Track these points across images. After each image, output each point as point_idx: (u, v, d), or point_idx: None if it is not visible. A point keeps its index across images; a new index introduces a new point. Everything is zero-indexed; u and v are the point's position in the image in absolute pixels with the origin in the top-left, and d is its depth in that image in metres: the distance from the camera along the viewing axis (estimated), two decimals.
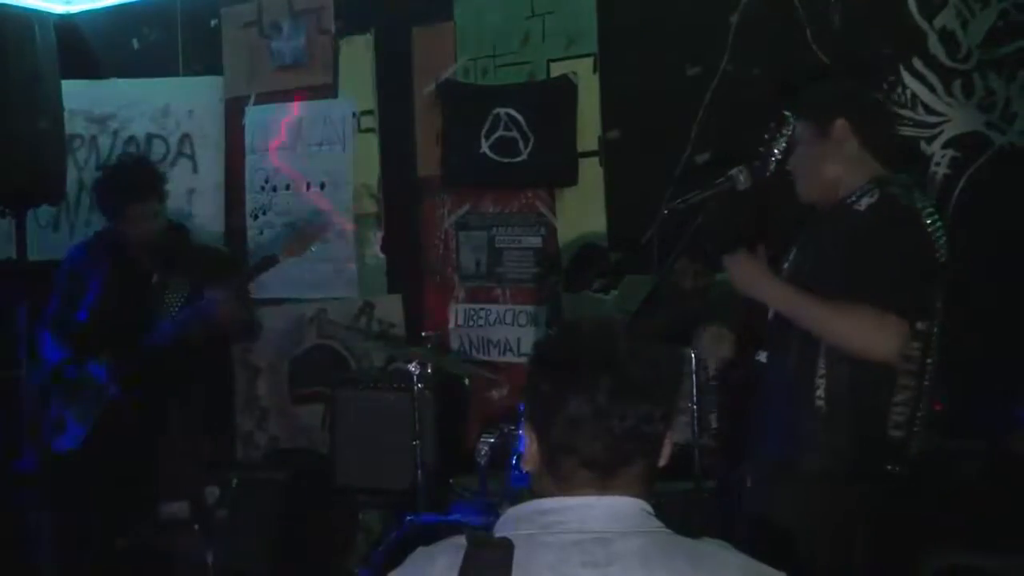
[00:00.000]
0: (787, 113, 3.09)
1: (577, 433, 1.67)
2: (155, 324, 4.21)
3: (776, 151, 3.07)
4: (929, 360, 2.85)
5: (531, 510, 1.70)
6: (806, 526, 2.77)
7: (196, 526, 4.33)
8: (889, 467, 2.82)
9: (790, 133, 3.07)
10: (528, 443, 1.75)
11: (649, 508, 1.70)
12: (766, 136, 3.08)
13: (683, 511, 3.46)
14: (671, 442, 1.74)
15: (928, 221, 2.83)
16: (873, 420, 2.81)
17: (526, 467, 1.77)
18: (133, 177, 4.30)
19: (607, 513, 1.67)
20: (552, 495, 1.70)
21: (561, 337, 1.84)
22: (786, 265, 3.04)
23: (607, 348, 1.71)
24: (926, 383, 2.86)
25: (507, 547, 1.63)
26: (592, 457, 1.67)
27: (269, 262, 4.35)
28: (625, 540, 1.64)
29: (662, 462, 1.75)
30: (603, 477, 1.68)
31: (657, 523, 1.69)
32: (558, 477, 1.70)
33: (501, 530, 1.69)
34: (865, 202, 2.87)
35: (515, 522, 1.69)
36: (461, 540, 1.66)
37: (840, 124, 2.96)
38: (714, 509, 3.58)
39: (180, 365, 4.25)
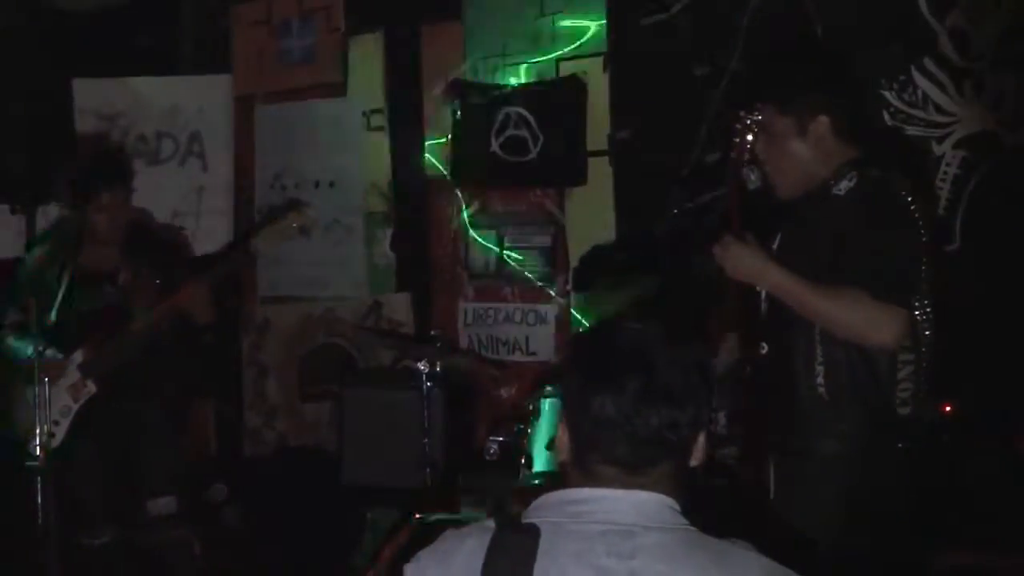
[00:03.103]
0: (741, 113, 2.97)
1: (602, 432, 1.69)
2: (126, 319, 4.17)
3: (745, 153, 2.96)
4: (927, 332, 2.79)
5: (559, 499, 1.72)
6: (824, 512, 2.75)
7: (183, 520, 4.30)
8: (900, 445, 2.78)
9: (756, 122, 2.94)
10: (561, 434, 1.78)
11: (676, 506, 1.71)
12: (736, 139, 3.00)
13: (689, 510, 3.44)
14: (704, 442, 1.74)
15: (908, 200, 2.76)
16: (878, 401, 2.78)
17: (559, 457, 1.79)
18: (110, 165, 4.33)
19: (633, 507, 1.68)
20: (580, 486, 1.72)
21: (596, 335, 1.82)
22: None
23: (640, 351, 1.71)
24: (925, 353, 2.80)
25: (534, 532, 1.65)
26: (615, 456, 1.69)
27: (241, 259, 4.30)
28: (649, 535, 1.65)
29: (694, 462, 1.75)
30: (628, 474, 1.70)
31: (683, 521, 1.70)
32: (585, 470, 1.72)
33: (529, 516, 1.71)
34: (844, 186, 2.82)
35: (543, 509, 1.71)
36: (491, 523, 1.70)
37: (821, 121, 2.88)
38: (724, 507, 3.56)
39: (153, 360, 4.21)
